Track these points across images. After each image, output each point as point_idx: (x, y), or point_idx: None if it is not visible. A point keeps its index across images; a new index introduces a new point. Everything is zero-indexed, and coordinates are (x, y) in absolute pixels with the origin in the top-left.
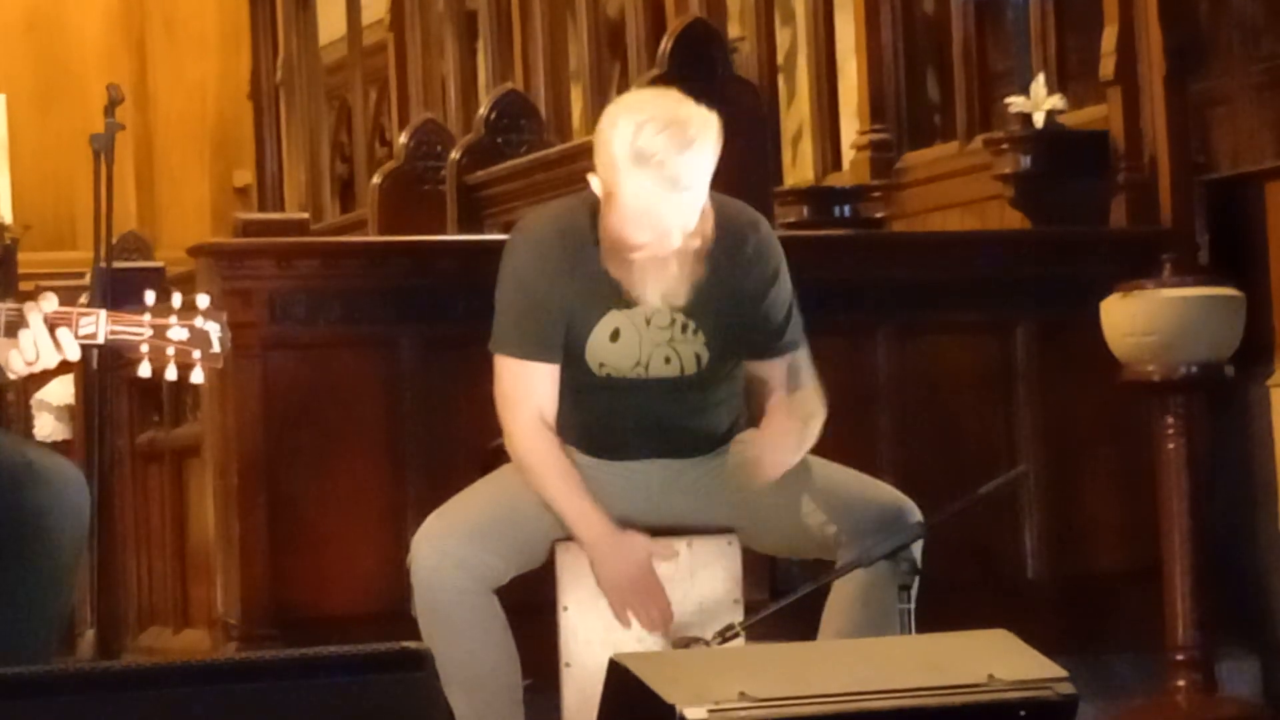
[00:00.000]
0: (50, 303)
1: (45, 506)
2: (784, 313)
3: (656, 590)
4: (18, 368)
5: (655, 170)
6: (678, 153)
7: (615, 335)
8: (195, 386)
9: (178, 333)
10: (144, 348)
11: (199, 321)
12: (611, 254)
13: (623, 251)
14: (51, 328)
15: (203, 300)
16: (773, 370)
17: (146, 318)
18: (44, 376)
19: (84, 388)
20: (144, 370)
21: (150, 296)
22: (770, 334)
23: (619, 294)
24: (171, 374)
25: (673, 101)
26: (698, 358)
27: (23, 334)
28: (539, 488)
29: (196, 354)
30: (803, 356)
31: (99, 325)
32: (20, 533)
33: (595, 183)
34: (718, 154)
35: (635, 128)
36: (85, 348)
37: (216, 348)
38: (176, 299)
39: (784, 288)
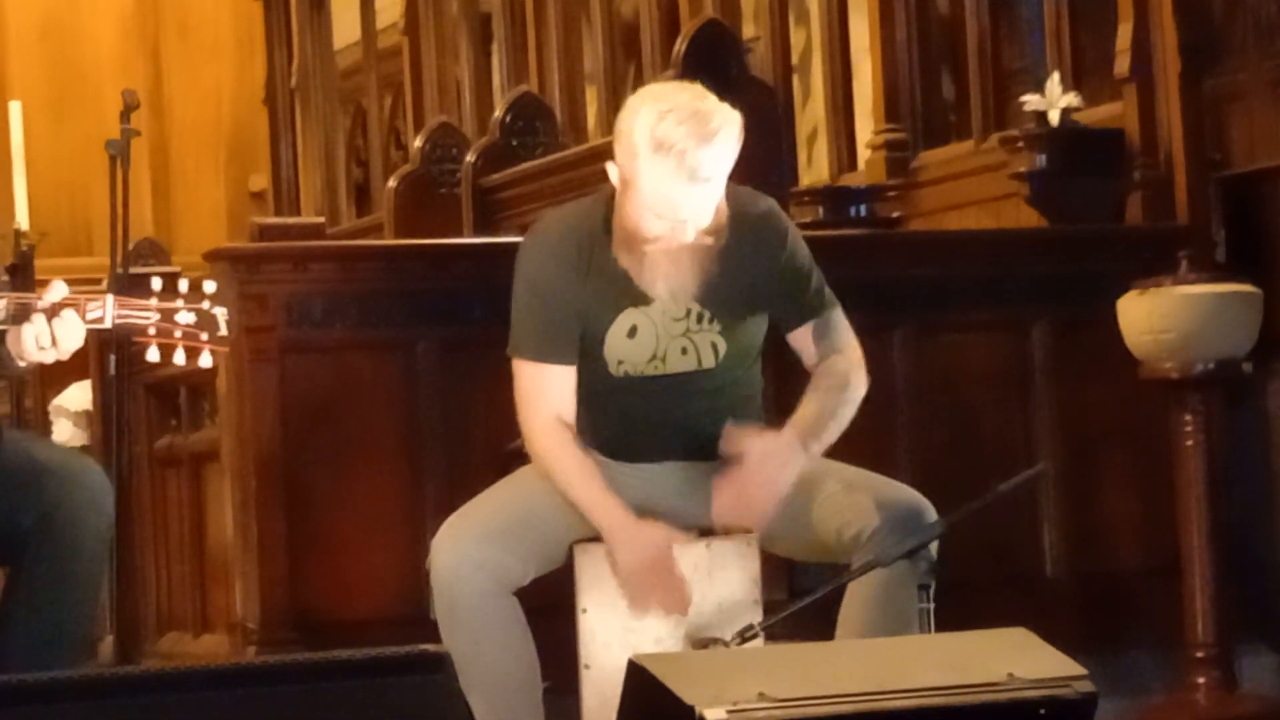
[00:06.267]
0: (58, 290)
1: (69, 504)
2: (803, 277)
3: (674, 578)
4: (29, 355)
5: (675, 160)
6: (698, 144)
7: (633, 332)
8: (213, 391)
9: (185, 316)
10: (151, 331)
11: (206, 305)
12: (624, 245)
13: (636, 243)
14: (59, 311)
15: (209, 285)
16: (804, 337)
17: (153, 302)
18: (62, 381)
19: (101, 393)
20: (152, 354)
21: (157, 282)
22: (793, 298)
23: (634, 291)
24: (180, 358)
25: (696, 94)
26: (714, 348)
27: (25, 327)
28: (557, 481)
29: (204, 336)
30: (835, 318)
31: (106, 310)
32: (45, 530)
33: (614, 172)
34: (738, 150)
35: (658, 116)
36: (102, 340)
37: (224, 330)
38: (183, 284)
39: (798, 252)
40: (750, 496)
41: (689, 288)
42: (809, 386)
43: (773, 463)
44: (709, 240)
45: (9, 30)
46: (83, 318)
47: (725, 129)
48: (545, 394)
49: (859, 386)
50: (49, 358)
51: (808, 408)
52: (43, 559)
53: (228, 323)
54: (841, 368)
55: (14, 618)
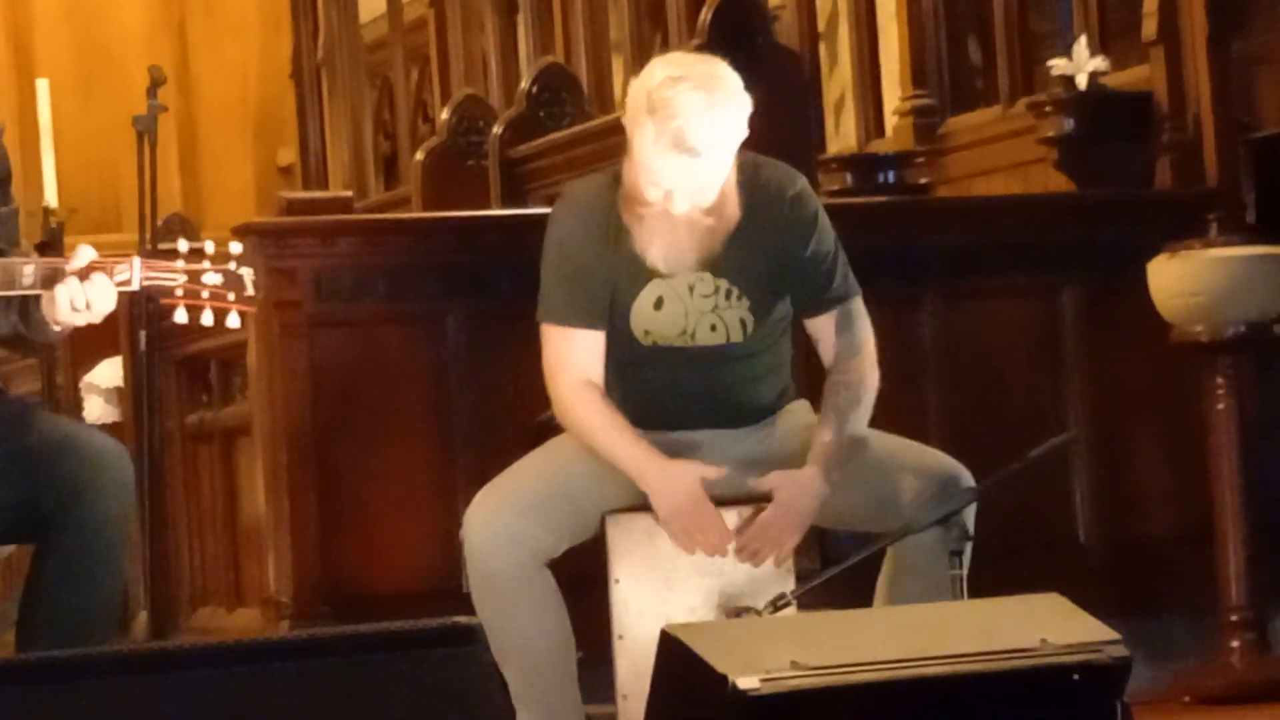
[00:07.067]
0: (86, 254)
1: (89, 481)
2: (826, 264)
3: (711, 513)
4: (64, 318)
5: (663, 123)
6: (691, 113)
7: (659, 303)
8: (243, 365)
9: (212, 277)
10: (179, 292)
11: (233, 266)
12: (626, 206)
13: (634, 205)
14: (89, 274)
15: (236, 246)
16: (823, 326)
17: (180, 264)
18: (92, 358)
19: (132, 369)
20: (180, 316)
21: (184, 244)
22: (815, 286)
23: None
24: (208, 319)
25: (711, 67)
26: (743, 323)
27: (59, 288)
28: (587, 439)
29: (231, 296)
30: (855, 308)
31: (134, 271)
32: (66, 508)
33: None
34: (740, 133)
35: (662, 80)
36: (132, 315)
37: (251, 290)
38: (209, 245)
39: (824, 238)
40: (777, 535)
41: (685, 260)
42: (826, 397)
43: (799, 501)
44: (708, 221)
45: (36, 9)
46: (111, 280)
47: (724, 106)
48: (574, 358)
49: (873, 388)
50: (81, 320)
51: (827, 433)
52: (65, 536)
53: (254, 283)
54: (857, 375)
55: (40, 596)
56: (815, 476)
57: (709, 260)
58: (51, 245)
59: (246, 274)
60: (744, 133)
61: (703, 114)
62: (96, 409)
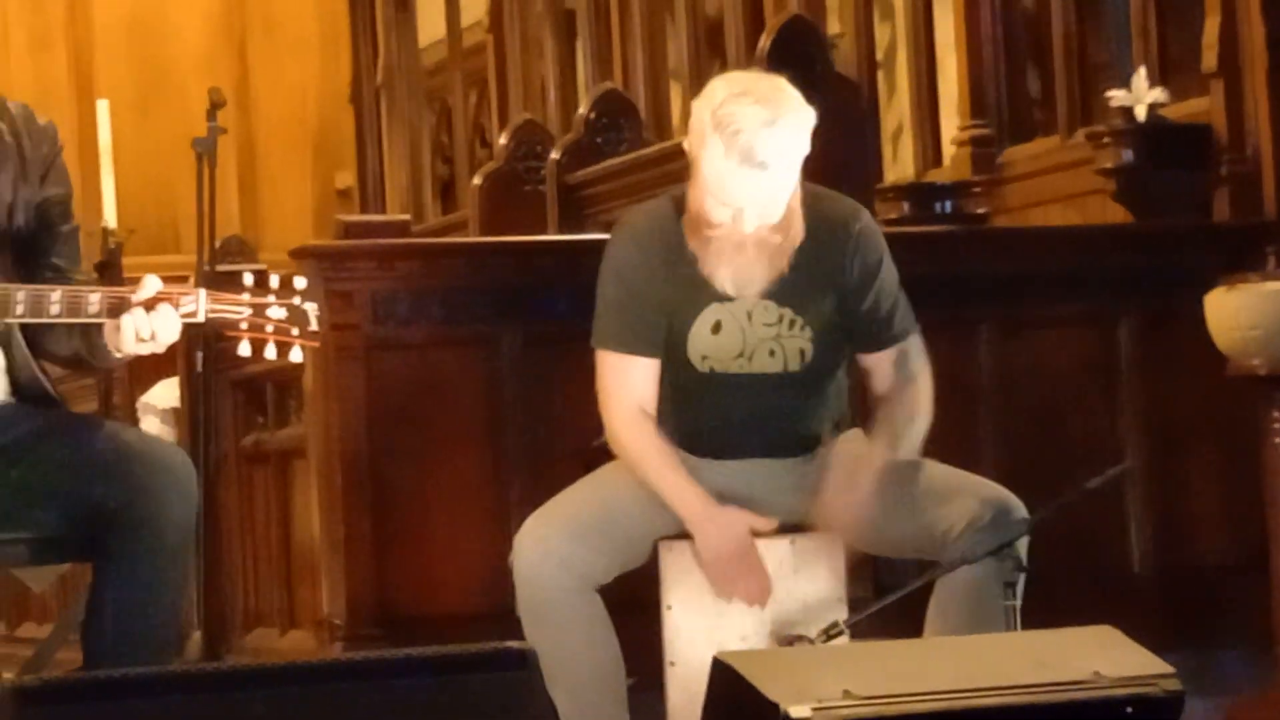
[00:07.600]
0: (152, 285)
1: (153, 488)
2: (890, 303)
3: (756, 564)
4: (128, 347)
5: (730, 138)
6: (757, 127)
7: (717, 328)
8: (299, 387)
9: (276, 311)
10: (243, 325)
11: (297, 301)
12: (692, 230)
13: (701, 228)
14: (155, 305)
15: (300, 281)
16: (880, 362)
17: (245, 297)
18: (149, 379)
19: (188, 390)
20: (244, 349)
21: (249, 277)
22: (877, 325)
23: (715, 285)
24: (271, 353)
25: (774, 84)
26: (802, 353)
27: (124, 318)
28: (638, 471)
29: (295, 331)
30: (913, 345)
31: (199, 304)
32: (130, 516)
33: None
34: (805, 146)
35: (725, 97)
36: (190, 337)
37: (315, 325)
38: (274, 279)
39: (889, 278)
40: (845, 502)
41: (755, 281)
42: (879, 417)
43: (859, 470)
44: (776, 238)
45: (96, 29)
46: (176, 311)
47: (790, 118)
48: (628, 386)
49: (927, 416)
50: (145, 349)
51: (880, 444)
52: (128, 544)
53: (319, 318)
54: (911, 401)
55: (102, 610)
56: (876, 457)
57: (777, 281)
58: (110, 266)
59: (311, 309)
60: (808, 146)
61: (768, 126)
62: (153, 429)
